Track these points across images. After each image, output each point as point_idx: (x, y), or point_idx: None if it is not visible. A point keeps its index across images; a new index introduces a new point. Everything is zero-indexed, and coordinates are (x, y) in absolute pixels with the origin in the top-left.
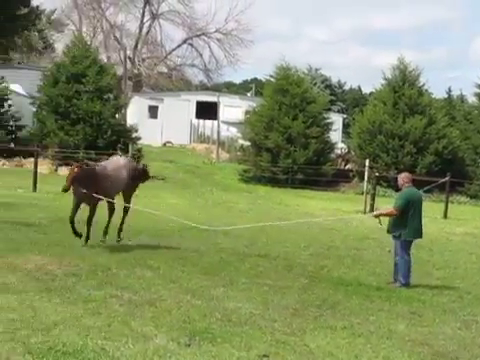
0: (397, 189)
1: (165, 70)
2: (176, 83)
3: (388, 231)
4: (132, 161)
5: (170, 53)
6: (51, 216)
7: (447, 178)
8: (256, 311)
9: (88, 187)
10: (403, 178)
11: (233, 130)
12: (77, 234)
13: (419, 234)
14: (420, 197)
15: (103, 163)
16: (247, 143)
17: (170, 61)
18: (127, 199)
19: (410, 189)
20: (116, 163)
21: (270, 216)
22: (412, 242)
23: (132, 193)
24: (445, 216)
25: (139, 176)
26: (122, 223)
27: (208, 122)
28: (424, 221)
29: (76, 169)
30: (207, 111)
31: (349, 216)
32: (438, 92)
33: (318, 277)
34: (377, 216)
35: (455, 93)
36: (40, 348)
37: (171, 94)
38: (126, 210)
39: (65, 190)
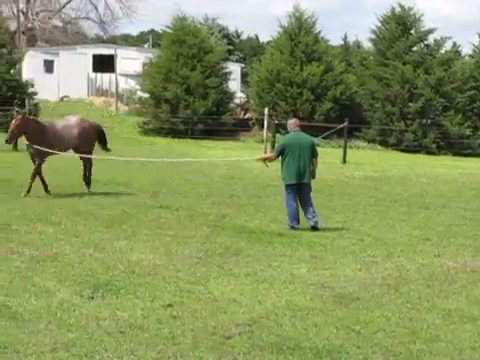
0: None
1: (60, 24)
2: (72, 36)
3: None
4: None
5: (64, 6)
6: None
7: (345, 124)
8: (159, 262)
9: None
10: (289, 124)
11: (132, 82)
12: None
13: (296, 178)
14: (299, 142)
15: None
16: (146, 95)
17: (64, 14)
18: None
19: (289, 134)
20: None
21: (171, 168)
22: (291, 186)
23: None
24: (344, 161)
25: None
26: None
27: (106, 75)
28: (322, 166)
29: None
30: (104, 64)
31: (236, 158)
32: (334, 39)
33: (220, 225)
34: (260, 159)
35: (351, 39)
36: None
37: (67, 48)
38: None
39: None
